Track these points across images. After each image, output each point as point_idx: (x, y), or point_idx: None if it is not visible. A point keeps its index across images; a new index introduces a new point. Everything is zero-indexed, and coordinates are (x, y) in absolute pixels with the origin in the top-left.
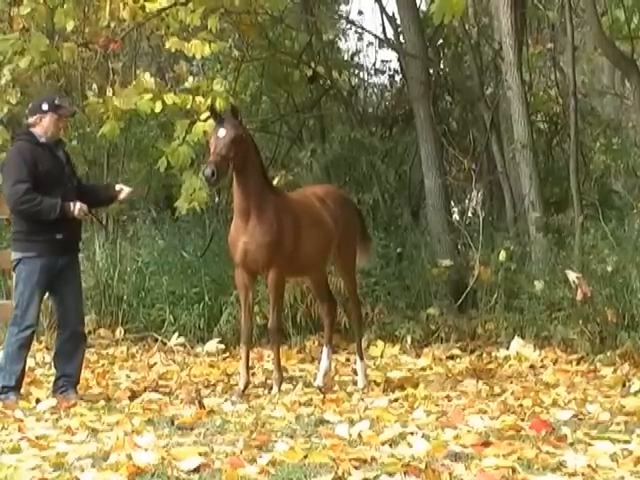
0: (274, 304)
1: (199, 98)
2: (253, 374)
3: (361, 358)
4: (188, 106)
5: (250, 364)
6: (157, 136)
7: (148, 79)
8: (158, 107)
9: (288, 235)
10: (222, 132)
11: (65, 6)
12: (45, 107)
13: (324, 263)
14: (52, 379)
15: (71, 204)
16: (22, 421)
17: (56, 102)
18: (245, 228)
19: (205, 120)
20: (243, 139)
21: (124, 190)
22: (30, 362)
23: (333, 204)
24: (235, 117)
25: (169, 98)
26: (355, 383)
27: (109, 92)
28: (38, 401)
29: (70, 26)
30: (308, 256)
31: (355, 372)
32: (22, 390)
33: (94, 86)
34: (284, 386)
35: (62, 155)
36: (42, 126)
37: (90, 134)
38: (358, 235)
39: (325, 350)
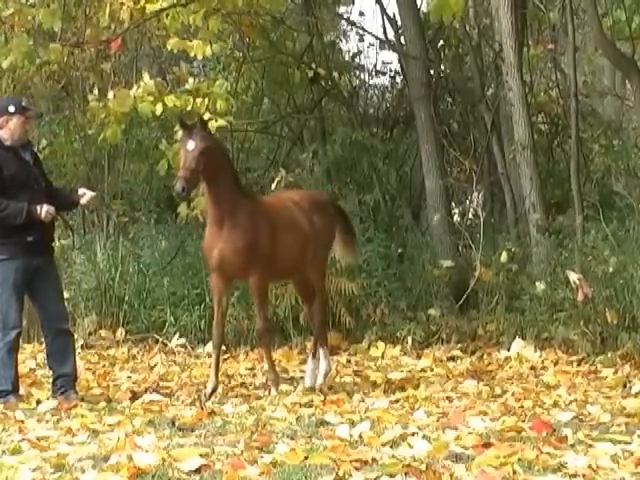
0: (260, 307)
1: (200, 100)
2: (254, 375)
3: (313, 356)
4: (189, 108)
5: (251, 365)
6: (158, 137)
7: (148, 81)
8: (159, 109)
9: (263, 239)
10: (191, 145)
11: (52, 6)
12: (12, 109)
13: (304, 265)
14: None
15: (38, 207)
16: (23, 422)
17: (23, 104)
18: (219, 234)
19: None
20: (212, 150)
21: (87, 195)
22: (31, 363)
23: (309, 207)
24: (204, 128)
25: (170, 100)
26: (355, 384)
27: (110, 95)
28: (39, 402)
29: (57, 27)
30: (287, 259)
31: (355, 373)
32: (22, 391)
33: (95, 91)
34: (285, 387)
35: (29, 157)
36: (9, 128)
37: (91, 135)
38: (342, 234)
39: (321, 351)
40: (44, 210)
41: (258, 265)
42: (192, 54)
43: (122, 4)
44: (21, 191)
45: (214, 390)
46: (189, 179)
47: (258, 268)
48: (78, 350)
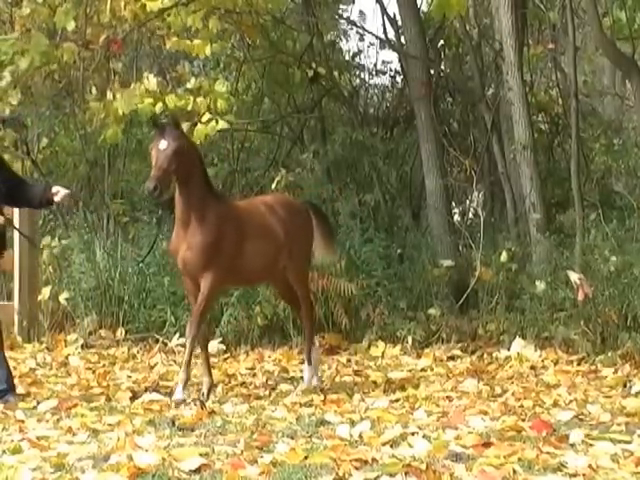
0: (199, 312)
1: (200, 99)
2: (254, 375)
3: (309, 363)
4: (189, 107)
5: (251, 365)
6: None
7: (151, 79)
8: (159, 109)
9: (227, 242)
10: (163, 144)
11: (65, 6)
12: None
13: (273, 272)
14: (54, 379)
15: None
16: (23, 422)
17: None
18: (184, 237)
19: (206, 122)
20: (185, 150)
21: (60, 192)
22: (31, 363)
23: (283, 212)
24: (176, 127)
25: (170, 100)
26: (355, 384)
27: (109, 95)
28: (38, 402)
29: (71, 26)
30: (255, 264)
31: (355, 373)
32: (22, 390)
33: (94, 90)
34: (284, 387)
35: None
36: None
37: (91, 135)
38: (321, 235)
39: (313, 355)
40: None
41: (213, 268)
42: (192, 54)
43: (125, 2)
44: None
45: (211, 387)
46: (162, 178)
47: (214, 272)
48: (78, 350)
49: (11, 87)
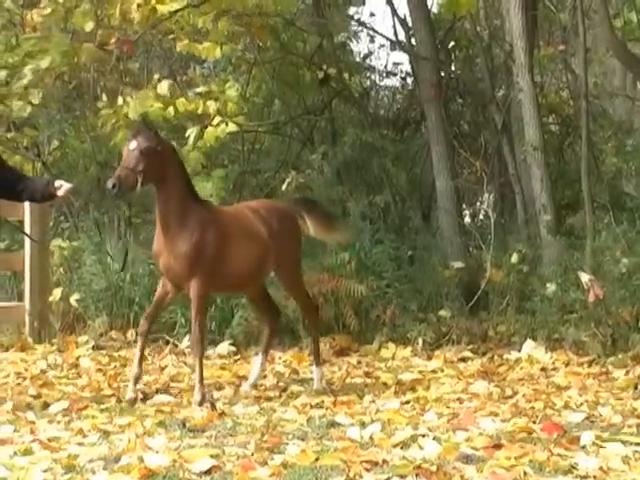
0: (196, 319)
1: (210, 102)
2: (264, 376)
3: (317, 364)
4: (199, 111)
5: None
6: (168, 139)
7: (163, 85)
8: (170, 113)
9: (210, 247)
10: (133, 144)
11: (83, 7)
12: None
13: (260, 278)
14: (65, 381)
15: None
16: (34, 423)
17: None
18: (165, 241)
19: (216, 125)
20: (156, 152)
21: (64, 187)
22: (42, 364)
23: (269, 217)
24: (149, 129)
25: (181, 105)
26: (366, 385)
27: (120, 100)
28: (49, 403)
29: (89, 27)
30: (238, 270)
31: (366, 374)
32: (34, 392)
33: (104, 97)
34: (295, 388)
35: None
36: None
37: (101, 137)
38: (319, 221)
39: (260, 357)
40: None
41: (199, 274)
42: (203, 56)
43: (137, 5)
44: None
45: (137, 378)
46: (123, 178)
47: (199, 277)
48: (89, 351)
49: (24, 87)
